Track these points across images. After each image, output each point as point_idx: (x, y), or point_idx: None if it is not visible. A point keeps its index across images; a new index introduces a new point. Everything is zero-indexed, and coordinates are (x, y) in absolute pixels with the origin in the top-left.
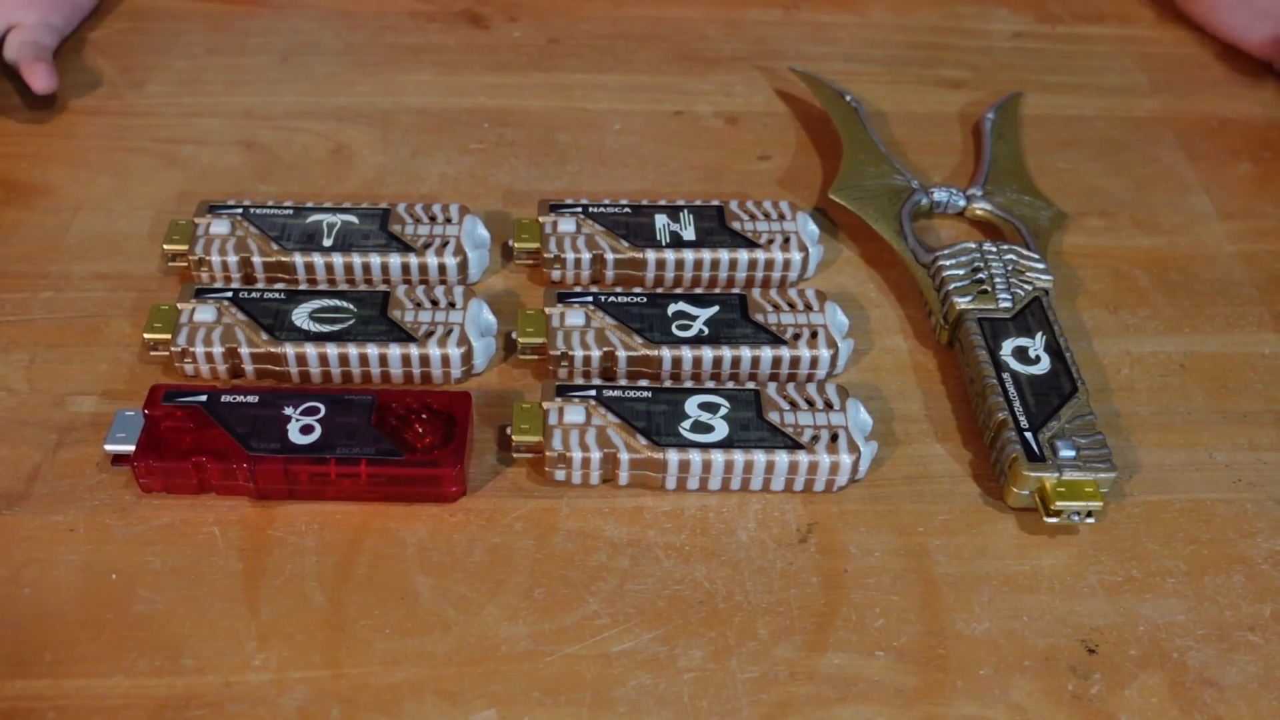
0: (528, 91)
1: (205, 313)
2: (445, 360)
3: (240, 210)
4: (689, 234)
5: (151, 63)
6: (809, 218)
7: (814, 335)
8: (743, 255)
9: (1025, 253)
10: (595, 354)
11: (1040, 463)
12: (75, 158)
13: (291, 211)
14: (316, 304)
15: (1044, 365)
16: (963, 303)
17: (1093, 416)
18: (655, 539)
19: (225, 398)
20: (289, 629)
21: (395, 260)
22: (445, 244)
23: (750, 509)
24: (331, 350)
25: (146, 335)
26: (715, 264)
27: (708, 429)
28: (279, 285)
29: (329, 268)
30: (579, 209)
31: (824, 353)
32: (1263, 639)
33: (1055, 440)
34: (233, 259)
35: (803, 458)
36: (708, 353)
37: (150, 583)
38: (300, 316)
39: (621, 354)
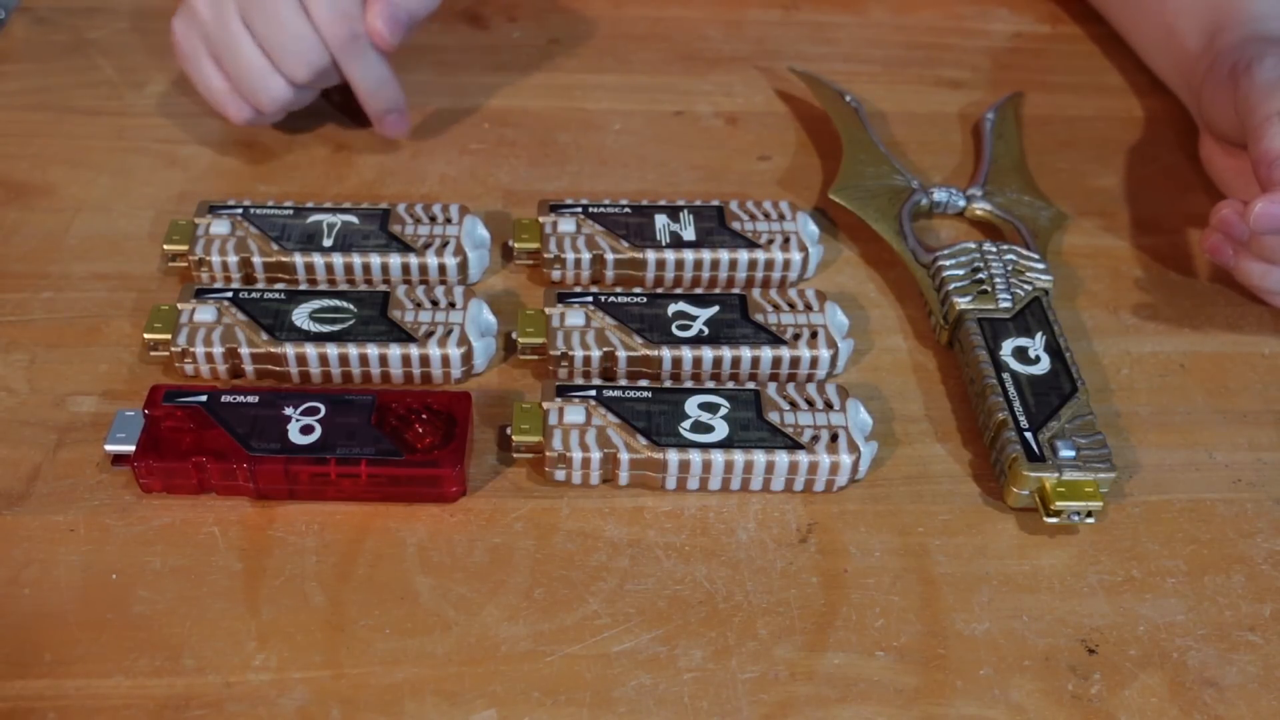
0: (528, 91)
1: (205, 313)
2: (445, 360)
3: (240, 210)
4: (689, 234)
5: (151, 63)
6: (809, 218)
7: (814, 335)
8: (743, 255)
9: (1025, 253)
10: (595, 354)
11: (1040, 463)
12: (75, 158)
13: (291, 211)
14: (316, 304)
15: (1044, 365)
16: (963, 303)
17: (1092, 416)
18: (655, 539)
19: (225, 398)
20: (289, 629)
21: (395, 260)
22: (445, 244)
23: (750, 509)
24: (331, 350)
25: (146, 335)
26: (715, 264)
27: (708, 429)
28: (279, 285)
29: (329, 268)
30: (579, 209)
31: (824, 353)
32: (1263, 639)
33: (1055, 440)
34: (233, 259)
35: (803, 458)
36: (708, 353)
37: (150, 583)
38: (300, 317)
39: (621, 354)
